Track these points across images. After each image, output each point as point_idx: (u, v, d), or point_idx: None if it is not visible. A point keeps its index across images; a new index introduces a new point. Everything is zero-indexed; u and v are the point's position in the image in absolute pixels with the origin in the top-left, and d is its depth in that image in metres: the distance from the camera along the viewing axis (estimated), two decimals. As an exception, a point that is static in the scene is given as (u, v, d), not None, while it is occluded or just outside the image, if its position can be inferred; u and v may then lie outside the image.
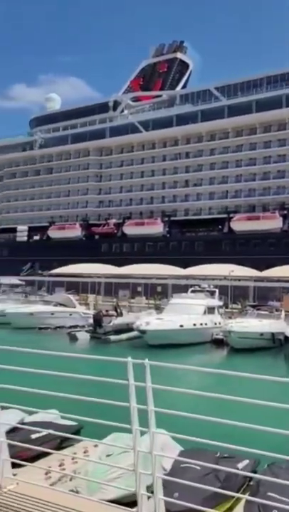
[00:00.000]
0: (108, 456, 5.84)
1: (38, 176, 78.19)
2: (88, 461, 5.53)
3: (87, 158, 73.21)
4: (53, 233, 72.08)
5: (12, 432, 5.68)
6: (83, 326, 28.85)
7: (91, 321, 28.41)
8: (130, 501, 4.47)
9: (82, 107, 76.19)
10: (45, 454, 6.16)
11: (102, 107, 73.78)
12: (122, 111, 73.01)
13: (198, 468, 4.58)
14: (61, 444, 6.97)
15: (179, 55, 77.27)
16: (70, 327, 29.02)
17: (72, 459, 6.91)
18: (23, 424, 6.47)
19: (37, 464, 5.63)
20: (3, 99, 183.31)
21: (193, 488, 3.83)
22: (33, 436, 6.34)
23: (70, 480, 6.14)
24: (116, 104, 73.39)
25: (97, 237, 68.59)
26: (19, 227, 75.90)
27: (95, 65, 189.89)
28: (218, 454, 5.38)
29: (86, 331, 27.55)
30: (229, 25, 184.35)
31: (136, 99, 74.54)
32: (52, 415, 7.32)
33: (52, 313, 31.17)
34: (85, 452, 6.81)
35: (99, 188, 72.67)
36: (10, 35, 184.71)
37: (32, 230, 74.67)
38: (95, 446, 7.28)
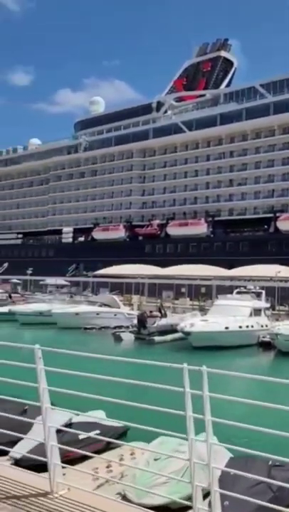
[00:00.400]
0: (156, 460, 5.77)
1: (82, 179, 79.53)
2: (134, 467, 5.47)
3: (130, 160, 73.69)
4: (97, 234, 73.07)
5: (59, 432, 5.73)
6: (127, 327, 28.93)
7: (135, 321, 28.46)
8: (179, 507, 4.38)
9: (126, 109, 76.76)
10: (93, 454, 6.18)
11: (146, 109, 74.02)
12: (166, 111, 72.93)
13: (250, 477, 4.41)
14: (108, 445, 6.98)
15: (223, 53, 76.24)
16: (115, 327, 29.19)
17: (120, 460, 6.89)
18: (70, 424, 6.52)
19: (84, 465, 5.64)
20: (49, 104, 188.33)
21: (245, 499, 3.70)
22: (81, 437, 6.38)
23: (118, 482, 6.11)
24: (159, 105, 73.43)
25: (140, 238, 68.89)
26: (65, 229, 77.54)
27: (138, 68, 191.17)
28: (270, 463, 5.18)
29: (130, 332, 27.61)
30: (273, 21, 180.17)
31: (179, 100, 74.24)
32: (99, 416, 7.34)
33: (97, 314, 31.49)
34: (131, 454, 6.78)
35: (142, 189, 72.97)
36: (56, 42, 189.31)
37: (77, 232, 76.05)
38: (142, 448, 7.22)
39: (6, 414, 4.80)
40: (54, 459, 3.52)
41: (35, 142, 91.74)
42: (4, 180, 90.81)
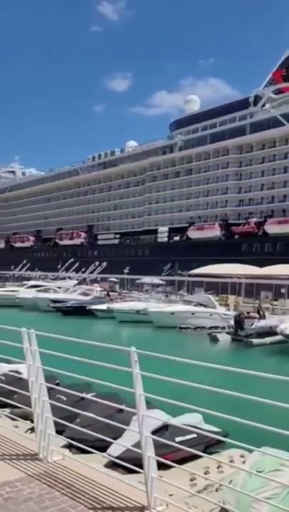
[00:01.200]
0: (259, 472, 5.33)
1: (177, 178, 79.71)
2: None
3: (226, 157, 72.24)
4: (193, 233, 72.72)
5: (156, 432, 5.56)
6: (224, 328, 28.25)
7: (231, 322, 27.68)
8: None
9: (222, 106, 75.30)
10: (189, 459, 5.92)
11: (242, 104, 71.98)
12: (264, 105, 70.19)
13: None
14: (205, 449, 6.66)
15: None
16: (211, 328, 28.69)
17: (217, 467, 6.52)
18: (166, 426, 6.33)
19: (180, 470, 5.39)
20: (146, 107, 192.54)
21: None
22: (177, 439, 6.15)
23: (216, 490, 5.77)
24: (257, 99, 70.91)
25: (236, 236, 67.24)
26: (160, 229, 78.39)
27: (234, 64, 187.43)
28: None
29: (227, 333, 26.89)
30: None
31: (278, 92, 70.94)
32: (196, 419, 7.06)
33: (192, 314, 31.19)
34: (230, 462, 6.39)
35: (239, 186, 71.14)
36: (153, 47, 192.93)
37: (172, 231, 76.41)
38: (241, 456, 6.79)
39: (98, 417, 4.73)
40: (151, 471, 3.28)
41: (131, 144, 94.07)
42: (103, 183, 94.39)
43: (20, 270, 75.55)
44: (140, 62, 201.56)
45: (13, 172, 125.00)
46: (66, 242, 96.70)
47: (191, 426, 6.65)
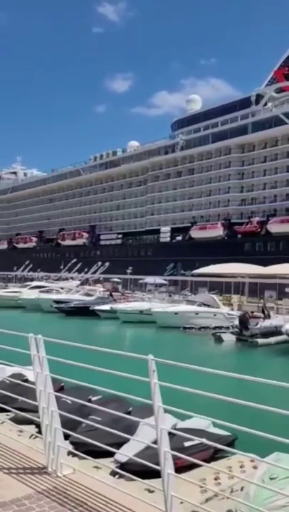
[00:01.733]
0: (272, 479, 5.14)
1: (179, 178, 79.56)
2: (246, 485, 4.89)
3: (228, 156, 72.05)
4: (195, 233, 72.54)
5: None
6: (228, 328, 28.01)
7: (236, 322, 27.45)
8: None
9: (223, 105, 75.11)
10: (198, 465, 5.74)
11: (244, 103, 71.76)
12: (265, 104, 69.97)
13: None
14: (215, 454, 6.48)
15: None
16: (215, 328, 28.48)
17: (229, 472, 6.33)
18: (175, 430, 6.15)
19: (191, 475, 5.25)
20: (148, 107, 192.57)
21: None
22: (186, 444, 5.98)
23: (228, 498, 5.58)
24: (258, 97, 70.66)
25: (239, 236, 67.03)
26: (162, 229, 78.25)
27: (235, 64, 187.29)
28: None
29: (231, 333, 26.67)
30: None
31: (280, 90, 70.71)
32: (204, 423, 6.89)
33: (196, 313, 31.01)
34: (241, 467, 6.21)
35: (241, 185, 70.94)
36: (154, 47, 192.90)
37: (175, 231, 76.25)
38: (252, 461, 6.60)
39: (105, 421, 4.56)
40: (171, 489, 3.05)
41: (133, 144, 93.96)
42: (105, 183, 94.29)
43: (22, 271, 75.39)
44: (141, 62, 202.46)
45: (15, 173, 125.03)
46: (69, 242, 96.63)
47: (200, 430, 6.48)
